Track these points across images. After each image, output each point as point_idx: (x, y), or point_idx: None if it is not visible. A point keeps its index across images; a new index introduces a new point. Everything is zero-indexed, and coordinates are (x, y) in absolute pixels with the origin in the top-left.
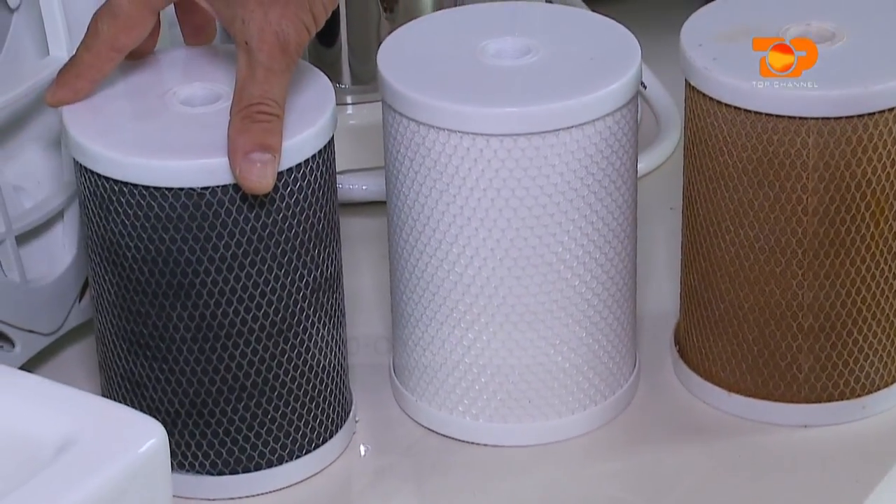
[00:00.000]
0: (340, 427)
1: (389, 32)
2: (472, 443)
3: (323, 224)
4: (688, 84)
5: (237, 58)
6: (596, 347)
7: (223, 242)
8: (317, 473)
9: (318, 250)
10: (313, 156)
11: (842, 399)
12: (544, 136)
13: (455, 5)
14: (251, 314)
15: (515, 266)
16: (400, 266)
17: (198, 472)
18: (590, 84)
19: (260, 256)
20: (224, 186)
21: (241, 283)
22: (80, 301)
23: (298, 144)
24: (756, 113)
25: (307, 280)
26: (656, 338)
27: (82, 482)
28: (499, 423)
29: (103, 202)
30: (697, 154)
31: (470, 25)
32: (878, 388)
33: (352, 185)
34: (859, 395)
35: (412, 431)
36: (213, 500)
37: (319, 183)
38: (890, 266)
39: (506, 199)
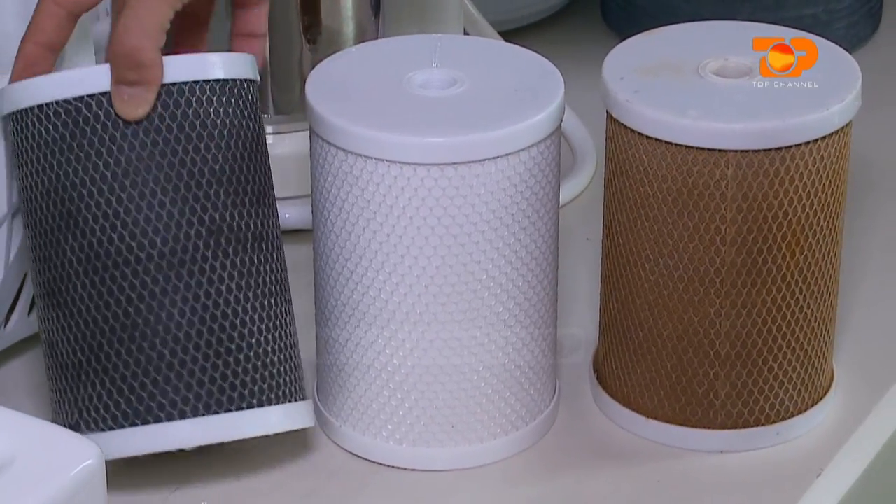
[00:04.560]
0: (259, 402)
1: (312, 63)
2: (396, 467)
3: (225, 168)
4: (609, 116)
5: None
6: (518, 374)
7: (102, 160)
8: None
9: (219, 193)
10: (207, 82)
11: (757, 425)
12: (470, 165)
13: (377, 37)
14: (136, 241)
15: (440, 293)
16: (325, 293)
17: (103, 430)
18: (515, 115)
19: (141, 178)
20: (98, 99)
21: (123, 206)
22: (5, 326)
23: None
24: (676, 145)
25: (203, 219)
26: (576, 365)
27: (19, 503)
28: (422, 448)
29: (15, 147)
30: (618, 185)
31: (396, 57)
32: (792, 415)
33: None
34: (774, 422)
35: (336, 456)
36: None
37: (221, 116)
38: (805, 295)
39: (432, 228)
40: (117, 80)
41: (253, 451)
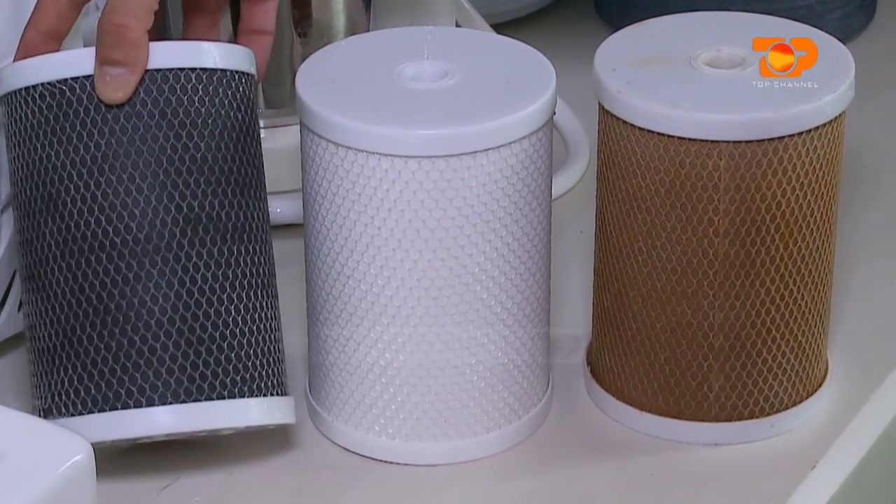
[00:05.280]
0: (233, 393)
1: (303, 57)
2: (389, 462)
3: (207, 157)
4: (601, 107)
5: None
6: (511, 367)
7: (83, 144)
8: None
9: (199, 182)
10: (193, 70)
11: (751, 418)
12: (462, 157)
13: (368, 30)
14: (112, 226)
15: (432, 286)
16: (317, 287)
17: (73, 415)
18: (506, 107)
19: (120, 163)
20: (82, 83)
21: (101, 191)
22: None
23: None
24: (668, 136)
25: (181, 207)
26: (569, 358)
27: (7, 499)
28: (415, 442)
29: (6, 130)
30: (610, 177)
31: (387, 49)
32: (787, 407)
33: None
34: (768, 414)
35: (328, 451)
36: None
37: (207, 105)
38: (798, 287)
39: (423, 221)
40: (101, 60)
41: (245, 446)
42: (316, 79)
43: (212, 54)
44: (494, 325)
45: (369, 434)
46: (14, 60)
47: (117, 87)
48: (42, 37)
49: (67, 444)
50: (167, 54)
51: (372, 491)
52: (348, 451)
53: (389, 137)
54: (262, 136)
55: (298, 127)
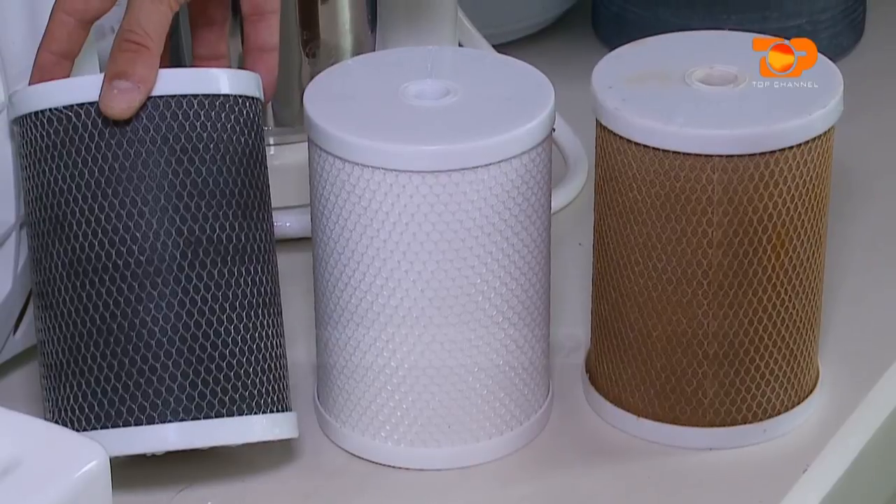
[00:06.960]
0: (231, 411)
1: (311, 77)
2: (395, 467)
3: (209, 181)
4: (598, 124)
5: None
6: (512, 375)
7: (88, 168)
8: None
9: (199, 206)
10: (195, 97)
11: (744, 423)
12: (463, 172)
13: (374, 50)
14: (115, 249)
15: (436, 297)
16: (325, 298)
17: (77, 430)
18: (506, 124)
19: (123, 187)
20: (87, 109)
21: (105, 214)
22: (14, 333)
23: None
24: (664, 151)
25: (182, 231)
26: (568, 366)
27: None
28: (420, 448)
29: (19, 152)
30: (608, 190)
31: (391, 68)
32: (779, 413)
33: (276, 223)
34: (761, 420)
35: (336, 457)
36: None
37: (209, 131)
38: (790, 296)
39: (427, 233)
40: (113, 74)
41: (257, 454)
42: (323, 97)
43: (216, 80)
44: (496, 333)
45: (375, 440)
46: (29, 82)
47: (123, 101)
48: (55, 58)
49: (83, 451)
50: (172, 81)
51: (378, 495)
52: (356, 456)
53: (394, 153)
54: (271, 153)
55: (306, 144)
